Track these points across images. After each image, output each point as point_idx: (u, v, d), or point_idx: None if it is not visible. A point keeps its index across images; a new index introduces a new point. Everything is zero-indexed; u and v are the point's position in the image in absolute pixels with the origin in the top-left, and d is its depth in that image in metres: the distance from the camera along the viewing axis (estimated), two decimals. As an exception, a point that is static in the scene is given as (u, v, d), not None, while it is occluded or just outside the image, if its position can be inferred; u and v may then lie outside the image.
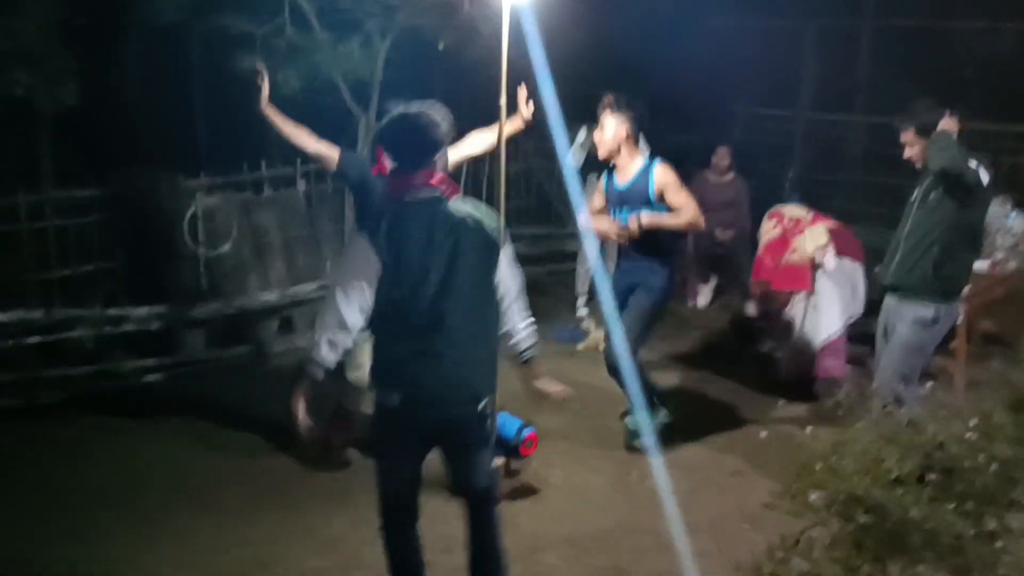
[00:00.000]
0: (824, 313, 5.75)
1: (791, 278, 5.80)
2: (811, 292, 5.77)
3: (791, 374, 5.90)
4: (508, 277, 3.13)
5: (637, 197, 4.65)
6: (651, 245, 4.66)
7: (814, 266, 5.78)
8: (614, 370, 4.68)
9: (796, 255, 5.81)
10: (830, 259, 5.77)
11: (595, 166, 5.84)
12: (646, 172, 4.69)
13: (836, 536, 1.91)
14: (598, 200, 4.91)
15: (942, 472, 1.85)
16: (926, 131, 4.22)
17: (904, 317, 4.34)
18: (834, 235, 5.87)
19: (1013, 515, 2.00)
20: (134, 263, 6.06)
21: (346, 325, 2.89)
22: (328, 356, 2.92)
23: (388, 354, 3.05)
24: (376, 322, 2.98)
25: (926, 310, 4.28)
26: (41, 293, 5.75)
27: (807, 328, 5.81)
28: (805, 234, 5.86)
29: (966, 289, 4.61)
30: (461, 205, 3.01)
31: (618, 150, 4.70)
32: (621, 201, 4.71)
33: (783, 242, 5.95)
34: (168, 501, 4.31)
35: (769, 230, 6.11)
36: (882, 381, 4.38)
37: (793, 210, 6.18)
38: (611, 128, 4.69)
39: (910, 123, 4.29)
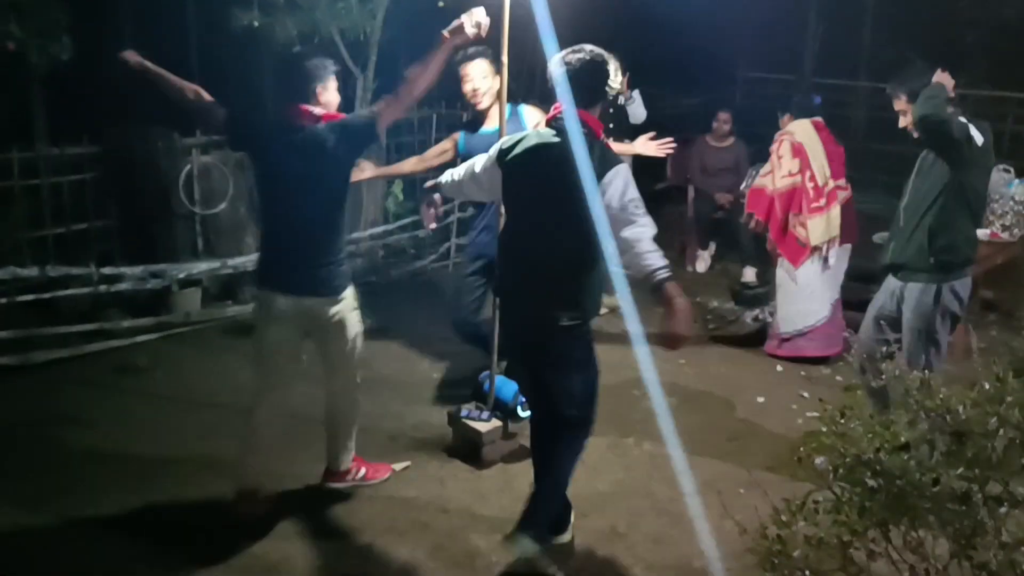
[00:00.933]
0: (812, 301, 5.65)
1: (789, 248, 5.64)
2: (796, 268, 5.63)
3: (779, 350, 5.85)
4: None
5: None
6: None
7: (818, 253, 5.59)
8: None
9: (803, 231, 5.55)
10: (833, 253, 5.60)
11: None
12: (516, 116, 4.52)
13: (841, 500, 1.90)
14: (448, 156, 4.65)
15: (952, 436, 1.83)
16: (915, 97, 4.00)
17: (908, 303, 4.12)
18: (843, 217, 5.62)
19: (1019, 481, 1.99)
20: (129, 222, 6.00)
21: None
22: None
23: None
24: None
25: (927, 292, 4.04)
26: (35, 251, 5.70)
27: (795, 311, 5.71)
28: (825, 215, 5.54)
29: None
30: None
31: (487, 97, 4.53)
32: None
33: (798, 198, 5.55)
34: (162, 458, 4.30)
35: (787, 171, 5.57)
36: (913, 365, 4.06)
37: (819, 155, 5.58)
38: (481, 73, 4.50)
39: (901, 90, 4.10)
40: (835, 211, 5.59)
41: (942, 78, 4.01)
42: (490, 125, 4.53)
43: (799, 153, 5.55)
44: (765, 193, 5.65)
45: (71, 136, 5.92)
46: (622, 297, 3.85)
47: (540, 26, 4.01)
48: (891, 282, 4.28)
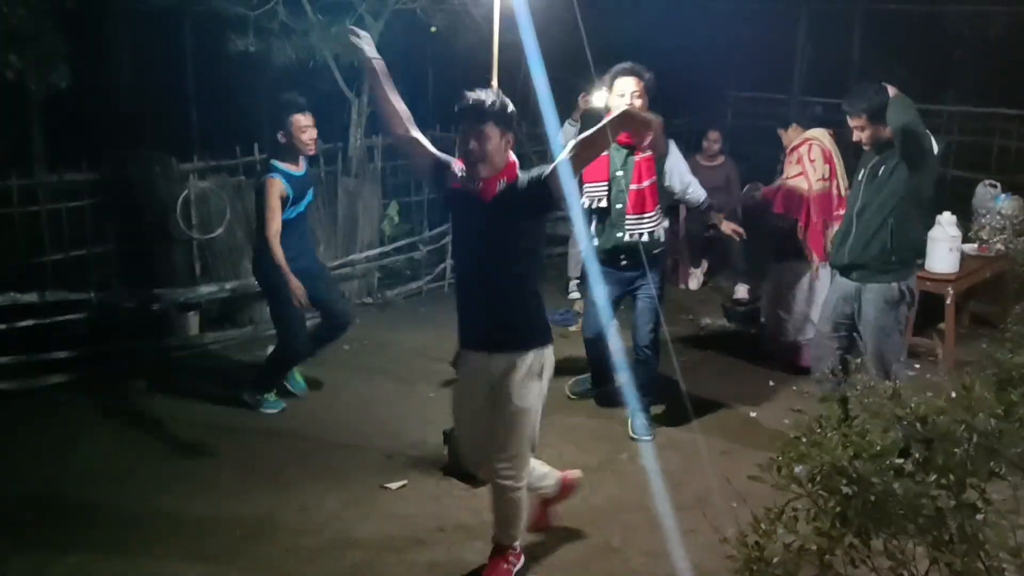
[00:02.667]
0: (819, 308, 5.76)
1: (814, 245, 5.69)
2: (815, 278, 5.72)
3: (776, 356, 5.93)
4: None
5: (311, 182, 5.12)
6: None
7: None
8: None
9: (824, 236, 5.64)
10: None
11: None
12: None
13: (820, 508, 1.95)
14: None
15: (924, 444, 1.89)
16: (877, 115, 4.27)
17: (870, 301, 4.37)
18: None
19: (994, 487, 2.05)
20: (127, 247, 6.06)
21: None
22: None
23: None
24: None
25: (890, 289, 4.32)
26: (34, 277, 5.75)
27: (797, 318, 5.81)
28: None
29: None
30: None
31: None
32: (305, 189, 4.99)
33: (828, 204, 5.63)
34: (161, 481, 4.35)
35: (822, 175, 5.61)
36: (879, 367, 4.38)
37: (840, 166, 5.67)
38: None
39: (861, 107, 4.31)
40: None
41: (895, 92, 4.26)
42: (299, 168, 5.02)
43: (829, 160, 5.67)
44: (804, 195, 5.66)
45: (69, 163, 5.99)
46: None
47: (527, 49, 4.10)
48: (843, 284, 4.53)
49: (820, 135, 5.72)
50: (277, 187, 4.76)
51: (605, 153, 4.44)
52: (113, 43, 9.08)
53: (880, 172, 4.35)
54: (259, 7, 6.11)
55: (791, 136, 5.85)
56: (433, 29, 6.56)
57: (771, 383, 5.71)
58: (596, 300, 4.82)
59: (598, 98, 5.22)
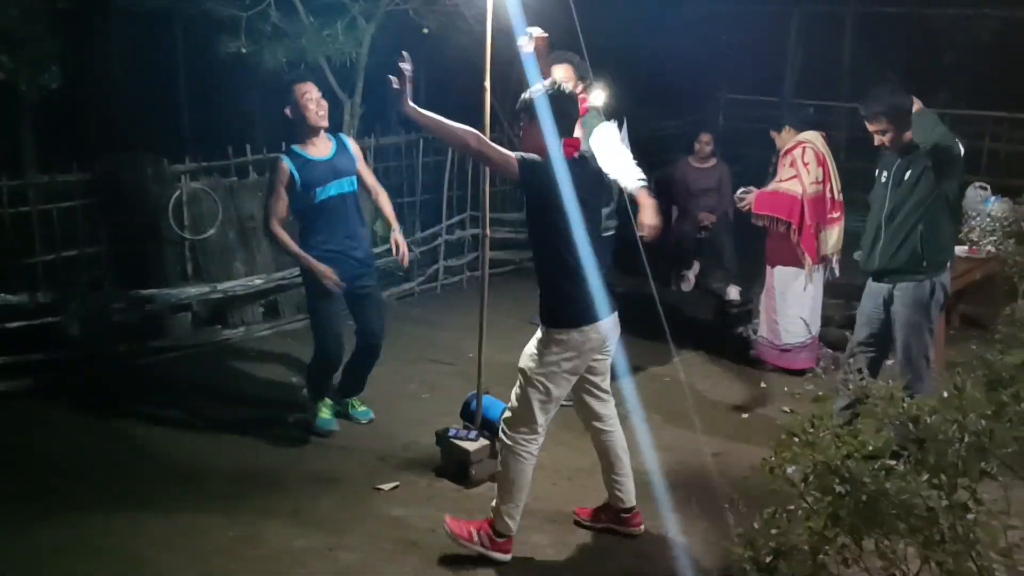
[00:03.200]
0: (815, 312, 5.82)
1: (807, 247, 5.71)
2: (808, 280, 5.74)
3: (768, 358, 5.96)
4: None
5: (348, 168, 4.73)
6: None
7: (826, 263, 5.78)
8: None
9: (819, 240, 5.71)
10: (836, 265, 5.82)
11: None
12: (343, 143, 4.83)
13: (813, 509, 1.96)
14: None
15: (915, 445, 1.90)
16: (898, 117, 4.25)
17: (901, 299, 4.37)
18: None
19: (985, 487, 2.06)
20: (119, 248, 6.05)
21: None
22: None
23: None
24: None
25: (922, 287, 4.33)
26: (25, 278, 5.73)
27: (790, 321, 5.83)
28: (838, 227, 5.73)
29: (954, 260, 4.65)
30: None
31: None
32: (334, 173, 4.67)
33: (823, 208, 5.68)
34: (154, 483, 4.33)
35: (815, 179, 5.65)
36: (901, 365, 4.41)
37: (833, 169, 5.73)
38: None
39: (880, 110, 4.28)
40: (842, 225, 5.77)
41: (920, 106, 4.32)
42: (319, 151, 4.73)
43: (823, 163, 5.69)
44: (797, 198, 5.67)
45: (61, 164, 5.97)
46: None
47: (520, 51, 4.12)
48: (875, 288, 4.51)
49: (813, 138, 5.74)
50: (281, 171, 4.57)
51: None
52: (105, 44, 9.06)
53: (907, 176, 4.31)
54: (251, 9, 6.10)
55: (784, 139, 5.86)
56: (425, 31, 6.56)
57: (763, 385, 5.73)
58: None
59: (595, 97, 5.23)
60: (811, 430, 1.97)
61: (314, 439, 4.83)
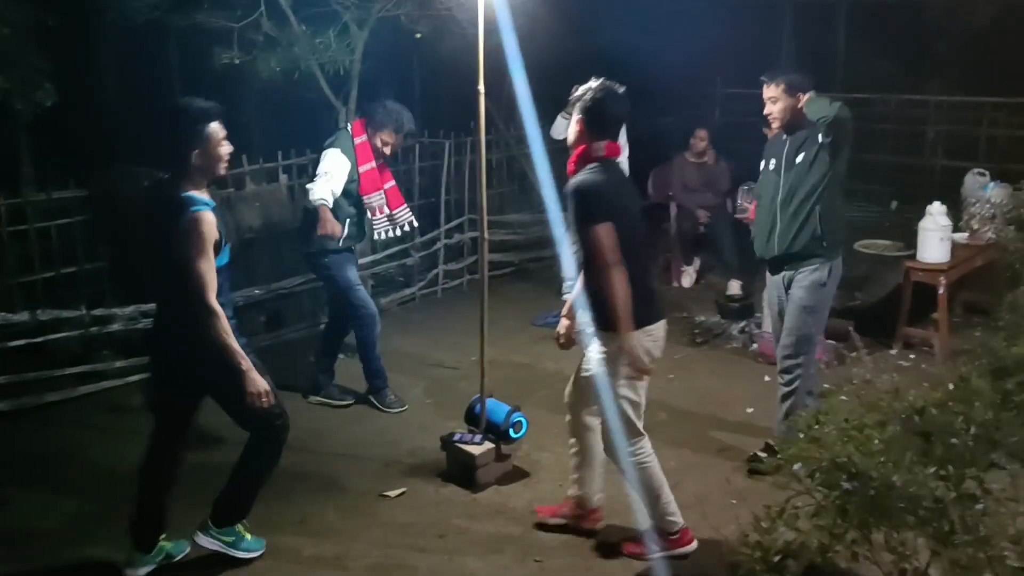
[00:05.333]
0: None
1: None
2: None
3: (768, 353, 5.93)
4: None
5: None
6: None
7: None
8: None
9: None
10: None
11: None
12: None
13: (820, 504, 1.95)
14: None
15: (922, 437, 1.89)
16: (793, 89, 4.22)
17: (800, 282, 4.34)
18: None
19: (992, 476, 2.05)
20: (118, 263, 6.04)
21: None
22: None
23: None
24: None
25: (821, 271, 4.30)
26: (25, 296, 5.73)
27: None
28: None
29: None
30: None
31: None
32: None
33: None
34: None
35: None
36: (787, 348, 4.38)
37: None
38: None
39: (780, 79, 4.26)
40: None
41: (814, 93, 4.28)
42: None
43: None
44: None
45: (58, 180, 5.97)
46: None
47: (508, 51, 4.11)
48: (775, 277, 4.49)
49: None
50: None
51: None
52: (97, 60, 9.05)
53: (799, 159, 4.28)
54: (243, 19, 6.09)
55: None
56: (418, 35, 6.55)
57: (766, 378, 5.71)
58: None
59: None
60: (816, 426, 1.96)
61: (321, 446, 4.80)
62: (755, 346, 6.13)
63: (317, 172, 5.08)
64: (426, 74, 9.37)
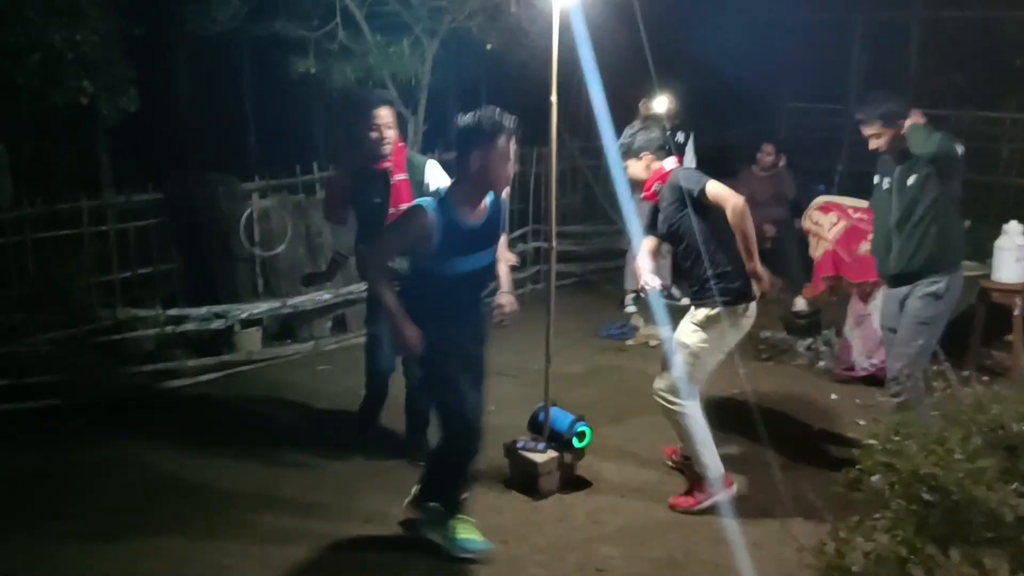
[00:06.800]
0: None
1: (871, 269, 5.67)
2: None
3: (852, 369, 5.84)
4: None
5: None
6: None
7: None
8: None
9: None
10: None
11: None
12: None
13: (898, 518, 1.93)
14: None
15: (1005, 451, 1.86)
16: (891, 120, 4.27)
17: (916, 294, 4.38)
18: None
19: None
20: (192, 264, 6.21)
21: None
22: None
23: None
24: None
25: (937, 284, 4.32)
26: (104, 295, 5.92)
27: (870, 344, 5.77)
28: None
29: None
30: None
31: None
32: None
33: (856, 232, 5.88)
34: (229, 493, 4.42)
35: (830, 224, 6.05)
36: (899, 359, 4.41)
37: (847, 200, 6.14)
38: None
39: (875, 115, 4.31)
40: None
41: (917, 118, 4.40)
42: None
43: (828, 208, 6.11)
44: (828, 256, 6.04)
45: (136, 184, 6.17)
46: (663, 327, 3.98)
47: (584, 62, 4.13)
48: (893, 292, 4.53)
49: (812, 203, 6.26)
50: None
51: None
52: (176, 68, 9.33)
53: (910, 181, 4.31)
54: (319, 29, 6.24)
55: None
56: (488, 47, 6.62)
57: (833, 396, 5.63)
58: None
59: (658, 104, 5.26)
60: (896, 438, 1.94)
61: (385, 448, 4.85)
62: (822, 363, 6.05)
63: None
64: (493, 85, 9.45)
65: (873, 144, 4.38)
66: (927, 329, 4.35)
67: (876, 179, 4.57)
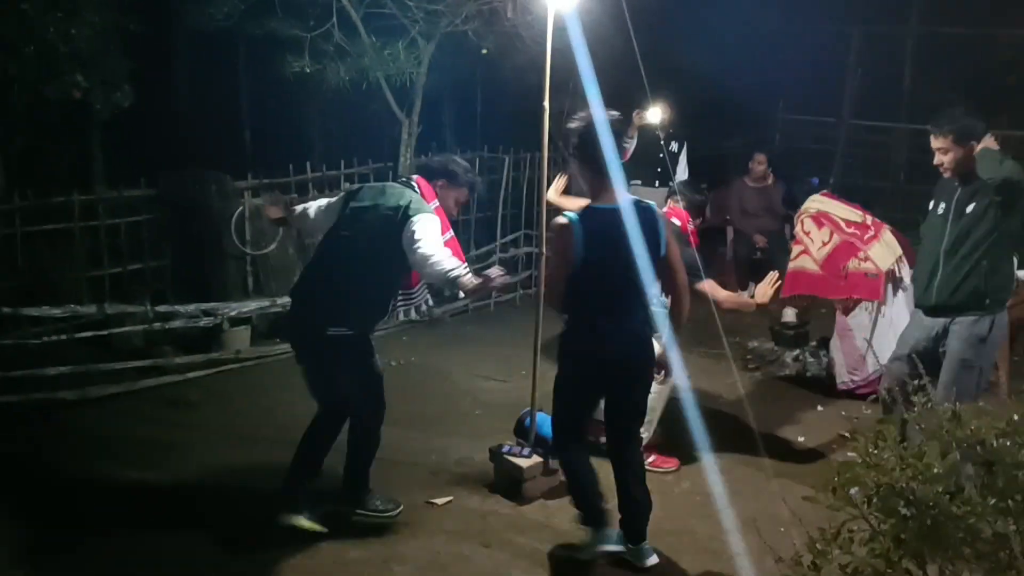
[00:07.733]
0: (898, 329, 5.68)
1: (863, 287, 5.63)
2: (882, 303, 5.62)
3: (843, 384, 5.84)
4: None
5: None
6: None
7: (892, 278, 5.60)
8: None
9: (870, 264, 5.60)
10: (907, 272, 5.53)
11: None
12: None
13: (876, 530, 1.94)
14: None
15: (983, 467, 1.87)
16: (965, 138, 4.06)
17: (959, 335, 4.15)
18: (900, 243, 5.67)
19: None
20: (182, 261, 6.20)
21: None
22: None
23: None
24: None
25: (981, 324, 4.12)
26: (93, 289, 5.91)
27: (876, 342, 5.67)
28: (881, 240, 5.63)
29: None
30: None
31: None
32: None
33: (847, 248, 5.72)
34: (212, 493, 4.41)
35: (821, 242, 5.83)
36: (943, 400, 4.27)
37: (841, 209, 5.91)
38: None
39: (949, 128, 4.08)
40: (887, 235, 5.68)
41: (990, 143, 4.18)
42: None
43: (821, 221, 5.88)
44: (806, 273, 5.85)
45: (128, 179, 6.16)
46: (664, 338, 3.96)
47: (582, 72, 4.15)
48: (929, 321, 4.29)
49: (809, 203, 6.00)
50: None
51: None
52: (172, 64, 9.32)
53: (970, 209, 4.09)
54: (315, 29, 6.24)
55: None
56: (484, 51, 6.63)
57: (819, 408, 5.65)
58: None
59: (652, 114, 5.27)
60: (874, 451, 1.95)
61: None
62: (809, 374, 6.07)
63: (428, 244, 3.78)
64: (487, 90, 9.47)
65: (938, 159, 4.13)
66: (970, 373, 4.11)
67: (931, 204, 4.32)
